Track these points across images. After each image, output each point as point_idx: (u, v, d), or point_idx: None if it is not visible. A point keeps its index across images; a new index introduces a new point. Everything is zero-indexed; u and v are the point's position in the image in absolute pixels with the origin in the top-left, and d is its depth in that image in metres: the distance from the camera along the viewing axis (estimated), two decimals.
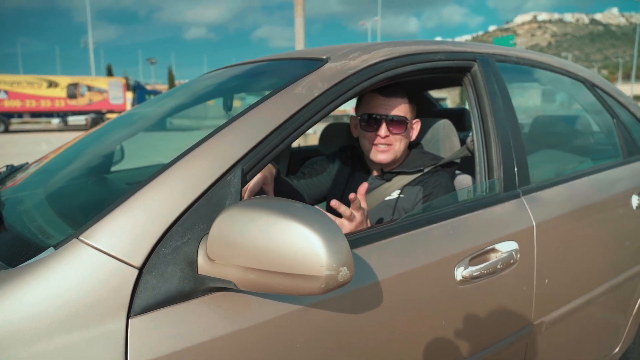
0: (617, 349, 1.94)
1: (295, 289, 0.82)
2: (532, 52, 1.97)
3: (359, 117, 1.68)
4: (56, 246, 0.86)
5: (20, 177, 1.57)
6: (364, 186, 1.33)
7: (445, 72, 1.57)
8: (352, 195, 1.26)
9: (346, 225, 1.28)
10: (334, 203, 1.24)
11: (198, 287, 0.89)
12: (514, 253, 1.36)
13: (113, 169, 1.72)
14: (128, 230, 0.86)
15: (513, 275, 1.37)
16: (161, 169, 0.96)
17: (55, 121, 30.30)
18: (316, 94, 1.16)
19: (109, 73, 71.96)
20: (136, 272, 0.84)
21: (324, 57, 1.32)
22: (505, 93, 1.60)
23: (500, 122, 1.53)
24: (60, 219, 1.11)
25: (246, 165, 1.00)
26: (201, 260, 0.89)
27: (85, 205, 1.28)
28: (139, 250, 0.85)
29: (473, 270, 1.26)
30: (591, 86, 2.13)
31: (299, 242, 0.80)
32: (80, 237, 0.85)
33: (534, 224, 1.45)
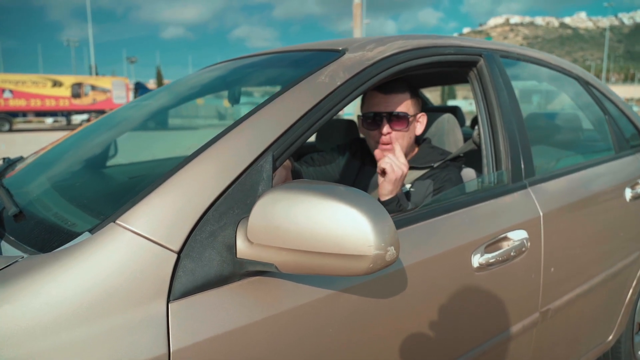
0: (610, 337, 1.92)
1: (341, 269, 0.77)
2: (532, 49, 1.93)
3: (362, 116, 1.61)
4: (92, 230, 0.80)
5: (18, 169, 1.48)
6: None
7: (454, 66, 1.53)
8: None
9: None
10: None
11: (237, 271, 0.84)
12: (524, 241, 1.33)
13: (108, 163, 1.64)
14: (165, 214, 0.80)
15: (523, 262, 1.33)
16: (192, 154, 0.91)
17: (49, 121, 29.52)
18: (339, 83, 1.11)
19: (94, 72, 68.33)
20: (175, 256, 0.78)
21: (341, 48, 1.27)
22: (509, 87, 1.56)
23: (506, 116, 1.49)
24: (77, 208, 1.04)
25: (276, 151, 0.95)
26: (240, 244, 0.83)
27: (97, 195, 1.22)
28: (177, 234, 0.79)
29: (489, 257, 1.22)
30: (585, 83, 2.10)
31: (346, 223, 0.75)
32: (118, 221, 0.79)
33: (541, 213, 1.42)
